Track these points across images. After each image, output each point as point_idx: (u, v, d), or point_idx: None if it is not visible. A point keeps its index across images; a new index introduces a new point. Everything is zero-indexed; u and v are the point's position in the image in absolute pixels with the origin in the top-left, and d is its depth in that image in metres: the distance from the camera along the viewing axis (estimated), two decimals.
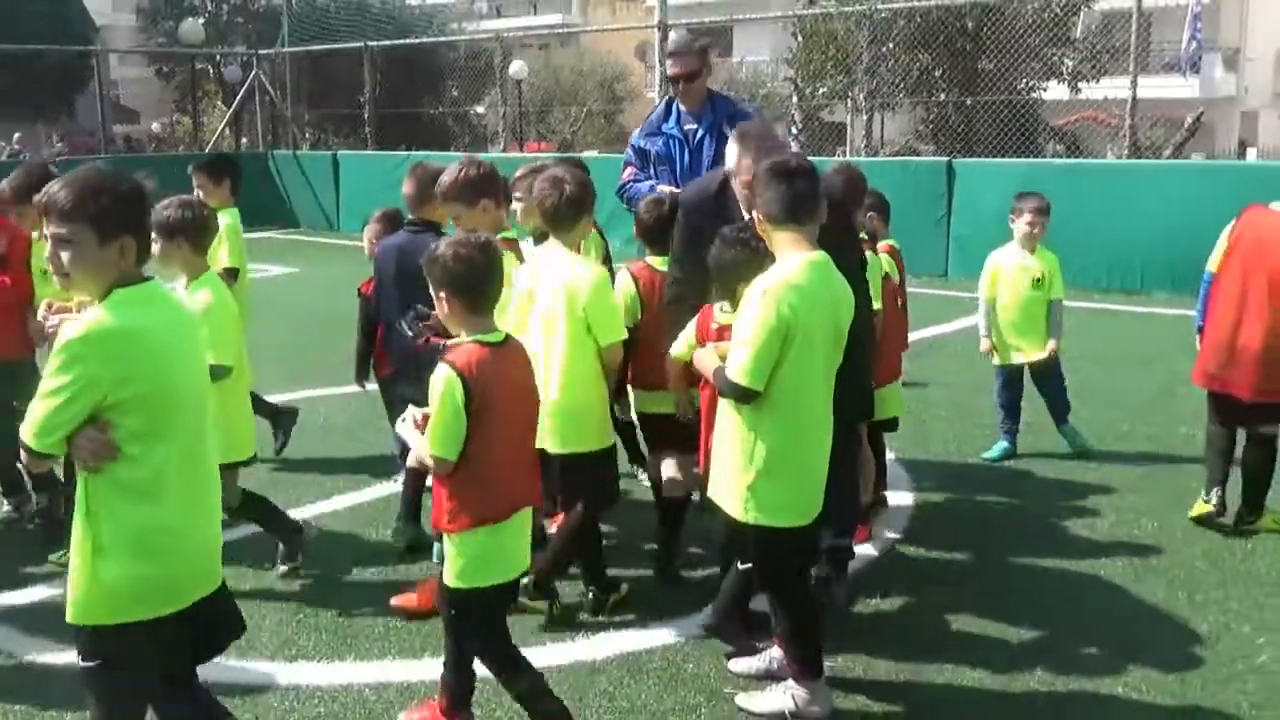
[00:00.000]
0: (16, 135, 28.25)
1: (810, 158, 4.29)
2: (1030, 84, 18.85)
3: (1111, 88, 19.86)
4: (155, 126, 35.70)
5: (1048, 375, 6.38)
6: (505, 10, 65.70)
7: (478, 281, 3.25)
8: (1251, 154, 31.15)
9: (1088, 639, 4.20)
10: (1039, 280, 6.28)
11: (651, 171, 5.64)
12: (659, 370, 4.30)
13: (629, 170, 5.76)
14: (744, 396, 3.42)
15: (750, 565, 3.71)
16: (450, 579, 3.31)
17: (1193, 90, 28.90)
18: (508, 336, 3.38)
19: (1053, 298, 6.31)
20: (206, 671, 2.93)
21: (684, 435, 4.33)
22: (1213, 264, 5.23)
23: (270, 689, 3.89)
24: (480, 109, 27.32)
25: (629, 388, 4.73)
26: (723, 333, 3.81)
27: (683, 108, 5.64)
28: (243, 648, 3.63)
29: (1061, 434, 6.42)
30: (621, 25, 32.77)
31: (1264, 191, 5.63)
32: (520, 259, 4.58)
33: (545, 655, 4.00)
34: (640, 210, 4.84)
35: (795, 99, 21.35)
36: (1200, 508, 5.21)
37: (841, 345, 3.53)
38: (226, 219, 5.95)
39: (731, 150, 4.03)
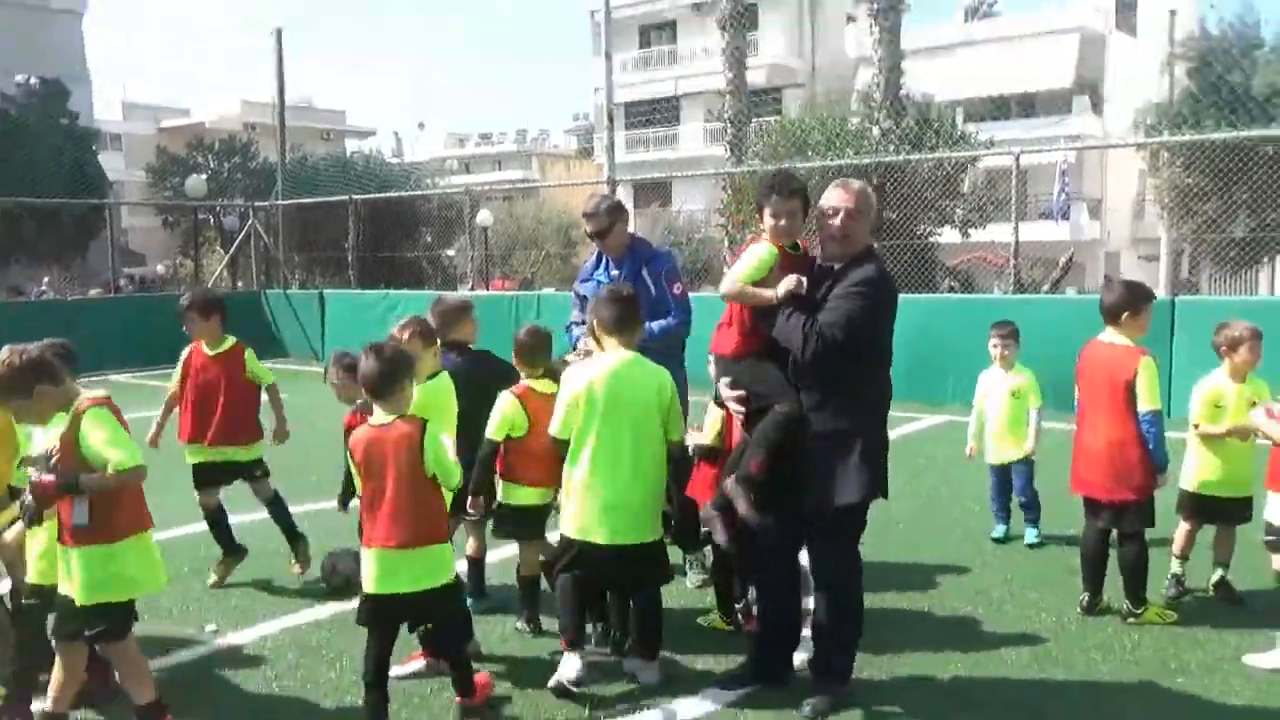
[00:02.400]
0: (45, 279, 28.29)
1: None
2: (928, 230, 19.45)
3: (996, 233, 20.61)
4: (160, 269, 35.62)
5: (1023, 472, 6.63)
6: (474, 168, 67.26)
7: None
8: None
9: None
10: (1016, 392, 6.66)
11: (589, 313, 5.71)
12: (534, 470, 4.85)
13: (575, 312, 5.83)
14: None
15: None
16: None
17: (1064, 234, 30.02)
18: None
19: (1030, 407, 6.65)
20: None
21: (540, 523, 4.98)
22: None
23: None
24: (451, 252, 27.58)
25: (502, 481, 4.99)
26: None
27: (609, 256, 5.73)
28: None
29: (1027, 522, 6.62)
30: (575, 181, 33.43)
31: None
32: None
33: None
34: (519, 334, 5.10)
35: (726, 243, 21.82)
36: (1080, 604, 5.32)
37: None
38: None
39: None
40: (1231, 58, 19.13)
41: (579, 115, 71.79)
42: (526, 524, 5.01)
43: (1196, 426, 5.51)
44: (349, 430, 5.06)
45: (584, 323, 5.59)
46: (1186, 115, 18.13)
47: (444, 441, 4.08)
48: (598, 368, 4.39)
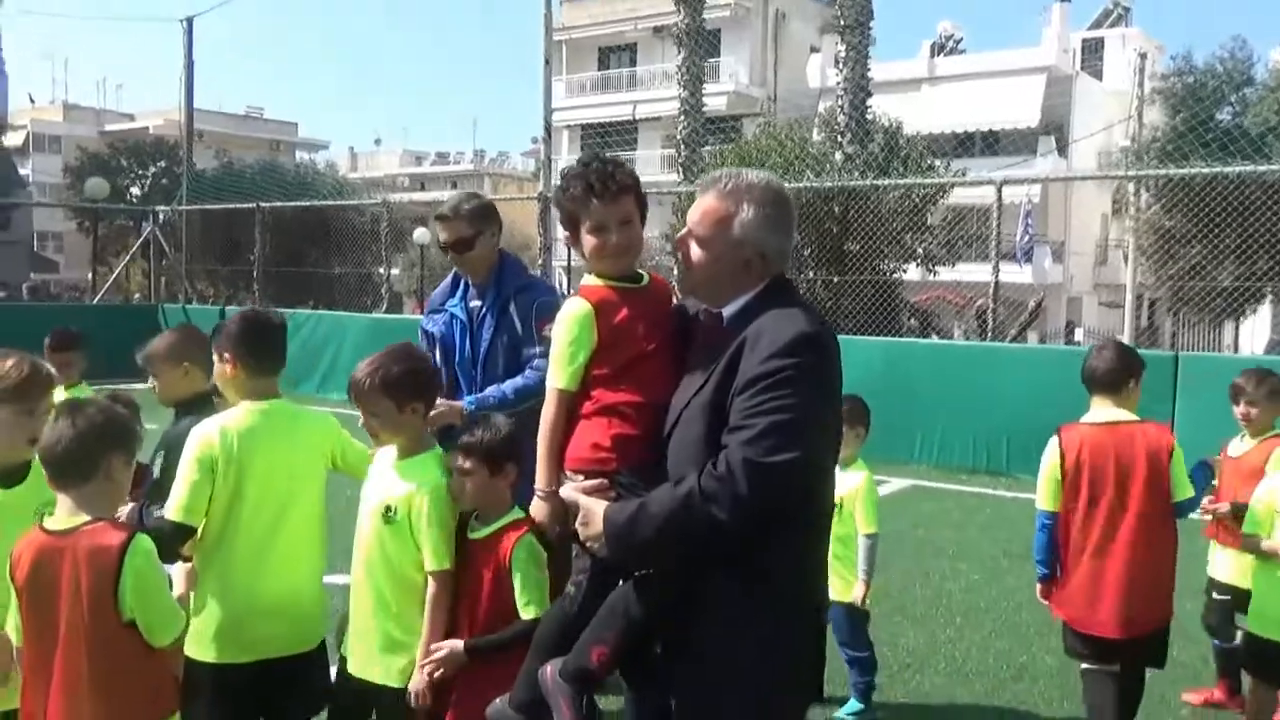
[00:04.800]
0: None
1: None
2: (892, 266, 17.92)
3: (963, 272, 19.15)
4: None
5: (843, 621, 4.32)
6: (430, 186, 65.28)
7: None
8: (1079, 334, 31.05)
9: None
10: (839, 505, 4.08)
11: (438, 357, 3.88)
12: None
13: None
14: None
15: None
16: None
17: (1027, 277, 28.85)
18: None
19: (861, 531, 4.26)
20: None
21: None
22: None
23: None
24: (396, 270, 25.76)
25: None
26: None
27: (471, 281, 3.94)
28: None
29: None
30: (506, 196, 31.69)
31: None
32: None
33: None
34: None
35: (676, 270, 20.14)
36: None
37: None
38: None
39: None
40: (1221, 93, 17.94)
41: (536, 139, 70.21)
42: None
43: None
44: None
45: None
46: (1170, 152, 16.77)
47: (158, 568, 2.56)
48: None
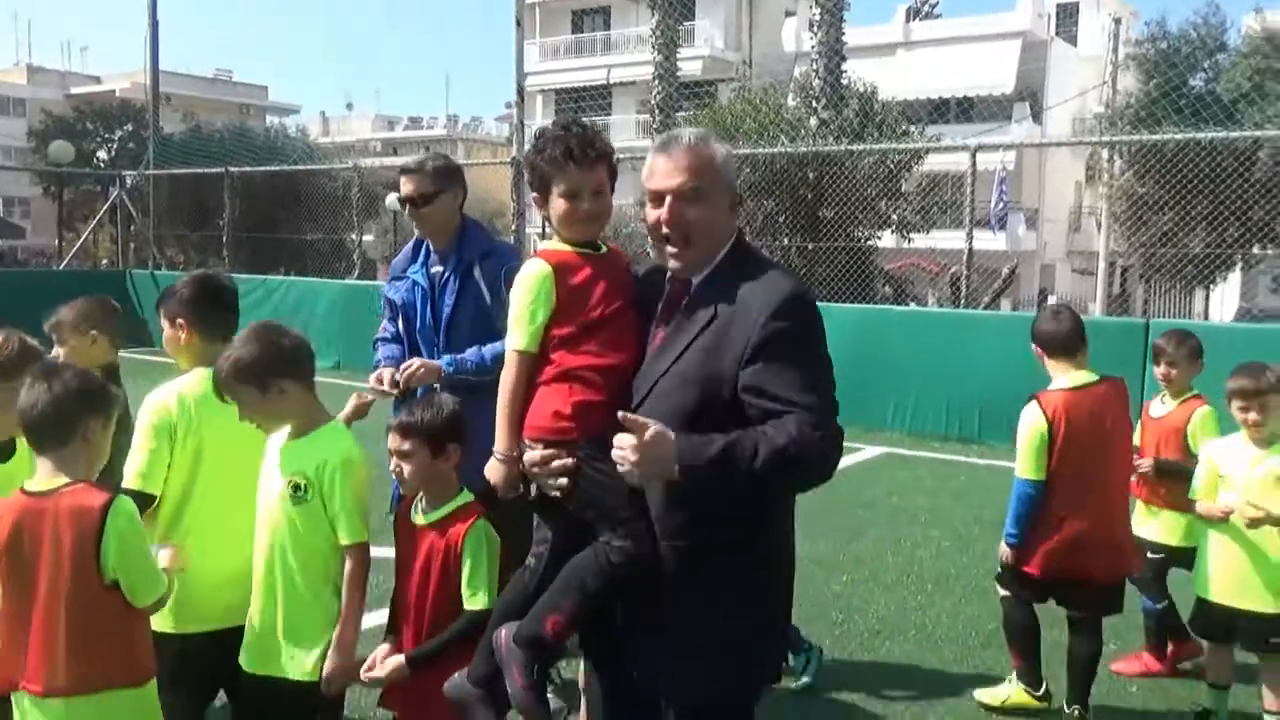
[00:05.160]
0: None
1: None
2: (867, 233, 17.88)
3: (936, 239, 19.13)
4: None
5: None
6: (402, 151, 64.46)
7: None
8: (1051, 301, 31.22)
9: None
10: None
11: (399, 325, 3.82)
12: None
13: (384, 322, 3.94)
14: None
15: None
16: None
17: (1000, 244, 28.91)
18: None
19: None
20: None
21: None
22: None
23: None
24: (370, 237, 25.44)
25: None
26: None
27: (432, 246, 3.85)
28: None
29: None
30: (480, 161, 31.32)
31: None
32: None
33: None
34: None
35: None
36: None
37: None
38: None
39: None
40: (1194, 59, 17.91)
41: (510, 104, 69.44)
42: None
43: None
44: None
45: (393, 339, 3.78)
46: (1144, 118, 16.75)
47: (140, 528, 2.58)
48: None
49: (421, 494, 2.84)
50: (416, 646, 2.74)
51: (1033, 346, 4.12)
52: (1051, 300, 31.13)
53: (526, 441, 2.39)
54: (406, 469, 2.77)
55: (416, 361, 3.57)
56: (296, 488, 2.76)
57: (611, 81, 39.57)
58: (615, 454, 2.13)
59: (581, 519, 2.34)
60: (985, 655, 4.80)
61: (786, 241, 17.90)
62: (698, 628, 2.26)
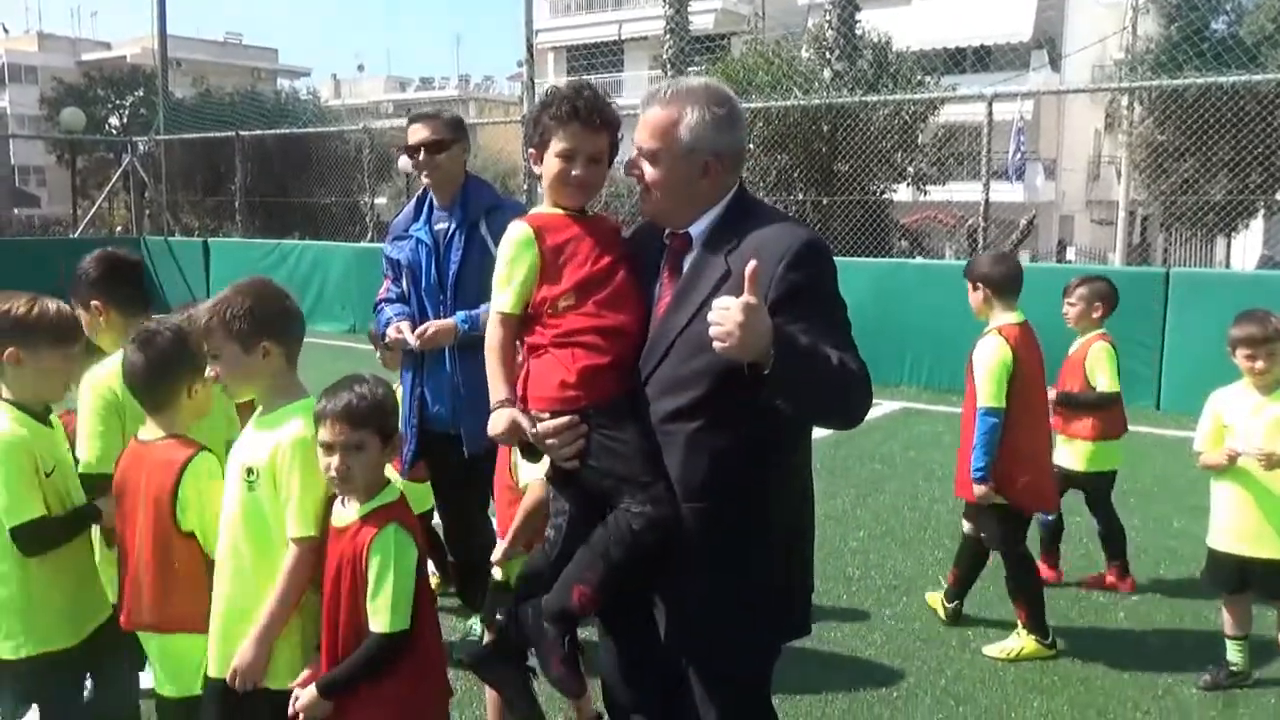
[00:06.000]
0: None
1: None
2: (882, 186, 17.64)
3: (953, 191, 18.86)
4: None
5: None
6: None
7: None
8: (1070, 253, 30.88)
9: None
10: None
11: (404, 285, 3.78)
12: None
13: (385, 283, 3.89)
14: None
15: None
16: None
17: (1019, 195, 28.56)
18: None
19: None
20: None
21: None
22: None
23: None
24: (382, 200, 25.35)
25: None
26: None
27: (436, 202, 3.80)
28: None
29: None
30: (492, 120, 31.14)
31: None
32: None
33: None
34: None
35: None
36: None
37: None
38: None
39: None
40: (1215, 1, 17.47)
41: (522, 62, 68.72)
42: None
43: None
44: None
45: (398, 299, 3.75)
46: (1164, 63, 16.37)
47: (218, 484, 2.66)
48: None
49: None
50: (329, 671, 2.42)
51: (976, 288, 4.31)
52: (1070, 252, 30.81)
53: (534, 413, 2.31)
54: (356, 466, 2.37)
55: (432, 325, 3.55)
56: (249, 471, 2.50)
57: (623, 37, 39.10)
58: (715, 316, 1.99)
59: (599, 489, 2.29)
60: (1003, 609, 4.77)
61: (801, 196, 17.69)
62: (723, 589, 2.23)
